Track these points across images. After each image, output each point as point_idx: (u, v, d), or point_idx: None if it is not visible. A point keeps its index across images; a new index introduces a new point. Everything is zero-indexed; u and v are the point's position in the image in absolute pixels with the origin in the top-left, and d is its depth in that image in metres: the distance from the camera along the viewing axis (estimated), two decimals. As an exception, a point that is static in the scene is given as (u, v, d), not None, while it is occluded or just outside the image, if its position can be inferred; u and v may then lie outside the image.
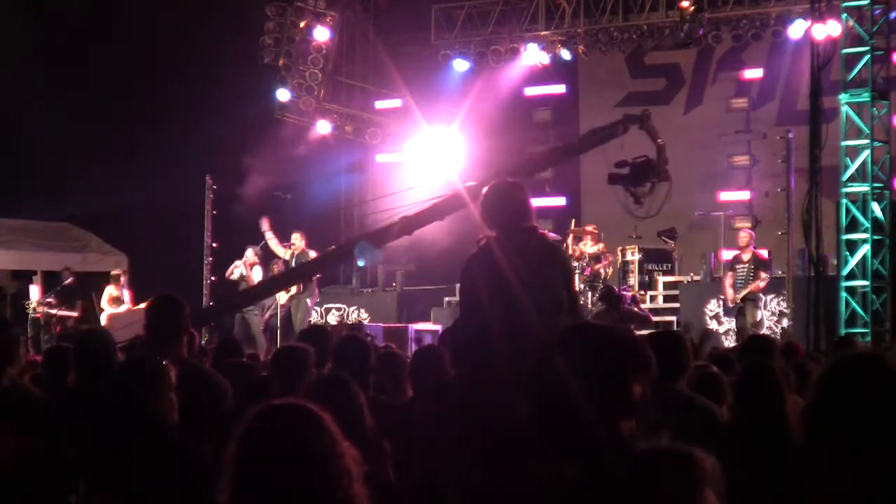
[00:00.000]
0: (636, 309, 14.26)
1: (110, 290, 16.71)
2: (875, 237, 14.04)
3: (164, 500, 3.73)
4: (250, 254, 15.92)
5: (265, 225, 15.84)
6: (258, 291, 13.89)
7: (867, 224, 14.01)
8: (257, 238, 16.33)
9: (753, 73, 18.50)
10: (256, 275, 15.85)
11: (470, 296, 5.30)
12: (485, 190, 5.43)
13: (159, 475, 3.72)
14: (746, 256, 14.33)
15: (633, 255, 16.44)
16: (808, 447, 2.56)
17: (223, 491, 2.48)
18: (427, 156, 19.19)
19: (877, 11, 14.34)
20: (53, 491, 3.39)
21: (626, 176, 10.72)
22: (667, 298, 16.52)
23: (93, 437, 3.82)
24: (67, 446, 3.45)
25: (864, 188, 14.12)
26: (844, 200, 14.13)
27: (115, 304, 16.49)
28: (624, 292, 14.53)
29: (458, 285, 5.46)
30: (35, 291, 17.41)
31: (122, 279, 16.87)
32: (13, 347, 3.89)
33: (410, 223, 9.81)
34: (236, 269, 15.97)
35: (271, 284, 13.93)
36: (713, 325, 15.18)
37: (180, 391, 3.98)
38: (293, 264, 15.55)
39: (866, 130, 14.15)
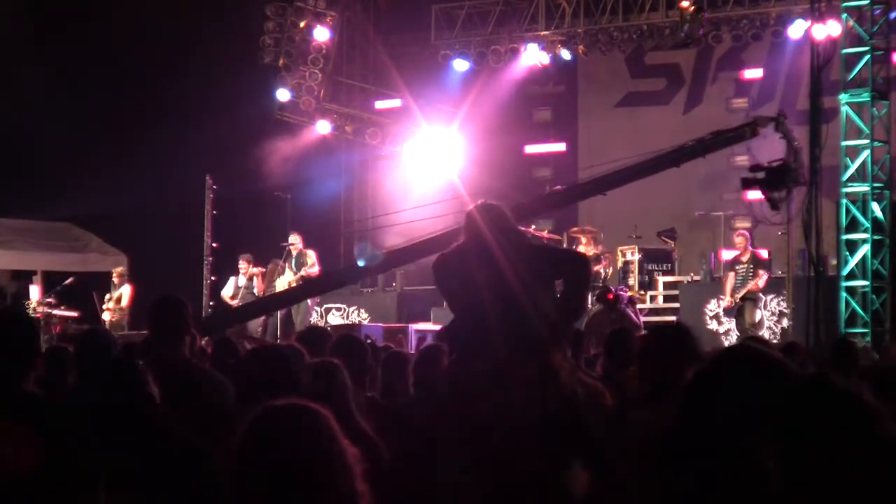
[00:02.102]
0: (631, 311, 14.22)
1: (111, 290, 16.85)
2: (875, 237, 14.04)
3: (166, 499, 3.73)
4: (243, 265, 16.22)
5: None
6: (271, 302, 13.86)
7: (867, 224, 14.01)
8: (254, 239, 16.49)
9: (753, 73, 18.50)
10: (256, 282, 16.21)
11: (463, 292, 5.29)
12: (469, 209, 5.45)
13: (159, 474, 3.72)
14: (745, 256, 14.41)
15: (633, 255, 16.44)
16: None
17: (226, 491, 2.49)
18: (427, 156, 19.20)
19: (877, 11, 14.34)
20: (61, 494, 3.38)
21: (762, 180, 10.42)
22: (667, 298, 16.52)
23: (92, 436, 3.82)
24: (74, 448, 3.45)
25: (864, 188, 14.12)
26: (844, 200, 14.13)
27: (109, 302, 16.57)
28: (621, 292, 14.50)
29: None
30: (35, 291, 17.41)
31: (117, 278, 16.86)
32: (38, 355, 3.91)
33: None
34: (229, 286, 16.37)
35: (286, 296, 13.87)
36: (713, 325, 15.19)
37: (182, 391, 3.98)
38: (294, 264, 15.75)
39: (866, 130, 14.15)
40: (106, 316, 16.54)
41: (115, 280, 16.90)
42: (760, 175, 10.29)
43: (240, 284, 16.40)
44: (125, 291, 16.72)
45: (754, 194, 16.98)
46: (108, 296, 16.80)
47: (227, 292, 16.45)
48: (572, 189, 11.54)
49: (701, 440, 2.61)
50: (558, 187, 10.40)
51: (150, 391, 3.90)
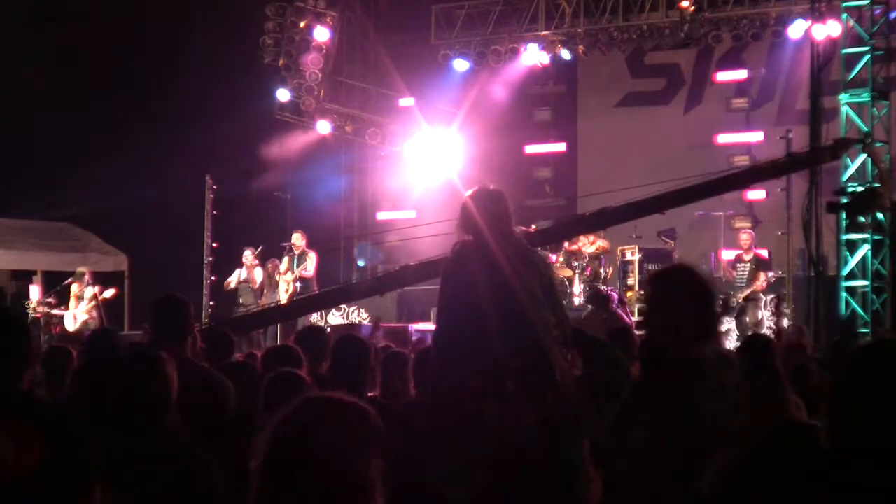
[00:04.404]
0: (622, 311, 14.18)
1: (73, 289, 16.34)
2: (875, 237, 14.03)
3: (166, 499, 3.74)
4: (249, 256, 16.34)
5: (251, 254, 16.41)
6: (278, 314, 13.87)
7: (867, 224, 14.01)
8: (254, 239, 16.59)
9: (753, 74, 18.50)
10: (258, 276, 16.31)
11: (461, 300, 5.25)
12: (467, 194, 5.41)
13: (161, 473, 3.72)
14: (748, 257, 14.41)
15: (633, 255, 16.43)
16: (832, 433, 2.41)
17: (254, 481, 2.47)
18: (427, 156, 19.20)
19: (877, 11, 14.33)
20: (61, 494, 3.39)
21: (847, 205, 10.27)
22: (667, 298, 16.50)
23: (94, 436, 3.82)
24: (75, 448, 3.45)
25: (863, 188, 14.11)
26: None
27: (77, 301, 16.30)
28: (611, 293, 14.43)
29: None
30: (35, 291, 17.39)
31: (87, 277, 16.58)
32: (34, 353, 3.91)
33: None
34: (234, 276, 16.40)
35: (298, 307, 13.89)
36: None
37: (183, 392, 3.98)
38: (295, 265, 15.81)
39: (866, 130, 14.15)
40: (78, 315, 16.11)
41: (87, 278, 16.40)
42: (846, 199, 10.08)
43: (242, 277, 16.49)
44: (89, 294, 16.35)
45: (755, 194, 17.03)
46: (74, 294, 16.27)
47: (231, 281, 16.52)
48: (626, 207, 11.07)
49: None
50: (609, 206, 10.13)
51: (156, 386, 3.89)
